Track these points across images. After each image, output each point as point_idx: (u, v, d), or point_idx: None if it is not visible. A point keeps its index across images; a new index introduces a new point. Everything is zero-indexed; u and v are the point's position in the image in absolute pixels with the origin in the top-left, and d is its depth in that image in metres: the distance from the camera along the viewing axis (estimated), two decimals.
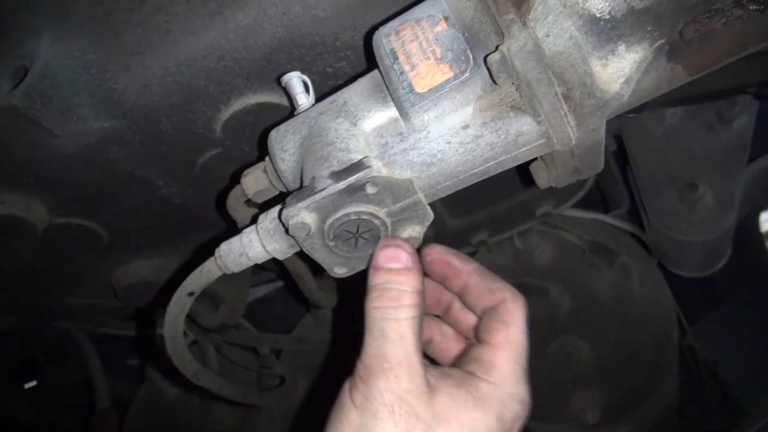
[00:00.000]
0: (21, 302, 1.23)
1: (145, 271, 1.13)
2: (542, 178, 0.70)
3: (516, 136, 0.60)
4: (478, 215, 1.34)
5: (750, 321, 1.90)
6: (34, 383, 2.00)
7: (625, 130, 1.46)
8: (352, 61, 0.84)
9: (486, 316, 0.68)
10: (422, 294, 0.62)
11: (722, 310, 1.95)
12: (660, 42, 0.58)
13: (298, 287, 1.17)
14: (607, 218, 1.57)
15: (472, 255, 1.52)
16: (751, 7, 0.57)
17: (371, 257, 0.63)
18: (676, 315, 1.56)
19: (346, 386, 0.60)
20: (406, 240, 0.64)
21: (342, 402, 0.59)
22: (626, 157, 1.50)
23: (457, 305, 0.75)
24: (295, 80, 0.76)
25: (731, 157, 1.37)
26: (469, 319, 0.74)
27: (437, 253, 0.72)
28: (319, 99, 0.74)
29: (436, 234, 1.34)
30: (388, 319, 0.60)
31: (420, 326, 0.61)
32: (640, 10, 0.56)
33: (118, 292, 1.16)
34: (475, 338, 0.71)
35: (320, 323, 1.54)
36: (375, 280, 0.62)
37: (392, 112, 0.64)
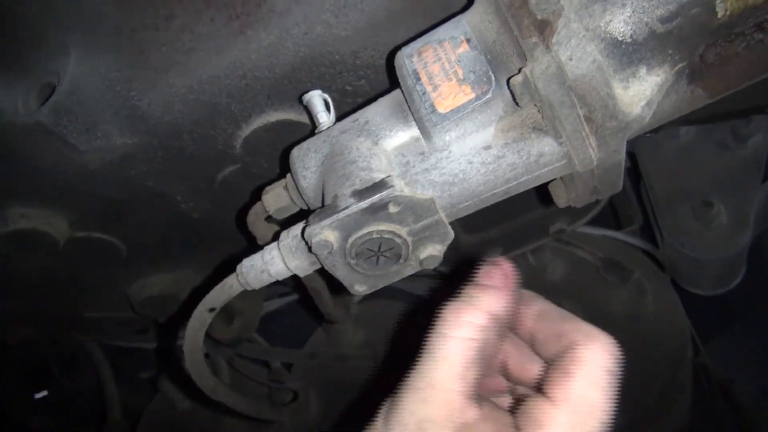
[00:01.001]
0: (39, 313, 1.25)
1: (162, 285, 1.14)
2: (561, 197, 0.71)
3: (537, 157, 0.60)
4: (492, 232, 1.34)
5: (765, 340, 1.88)
6: (44, 393, 2.01)
7: (639, 147, 1.47)
8: (371, 80, 0.85)
9: (552, 365, 0.55)
10: (499, 319, 0.55)
11: (736, 328, 1.93)
12: (681, 65, 0.59)
13: (311, 301, 1.18)
14: (621, 235, 1.57)
15: None
16: None
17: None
18: (690, 333, 1.55)
19: (385, 401, 0.55)
20: (508, 261, 0.59)
21: (376, 415, 0.55)
22: (640, 173, 1.50)
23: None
24: (316, 99, 0.77)
25: (746, 175, 1.37)
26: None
27: (496, 278, 0.60)
28: (339, 117, 0.75)
29: (449, 250, 1.34)
30: (439, 333, 0.54)
31: (481, 354, 0.53)
32: (661, 33, 0.57)
33: (134, 305, 1.17)
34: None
35: (333, 338, 1.54)
36: (464, 291, 0.57)
37: (414, 131, 0.65)
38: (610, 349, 0.52)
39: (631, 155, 1.54)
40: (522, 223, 1.34)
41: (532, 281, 1.55)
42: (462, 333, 0.53)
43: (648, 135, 1.29)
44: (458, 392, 0.52)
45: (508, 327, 0.59)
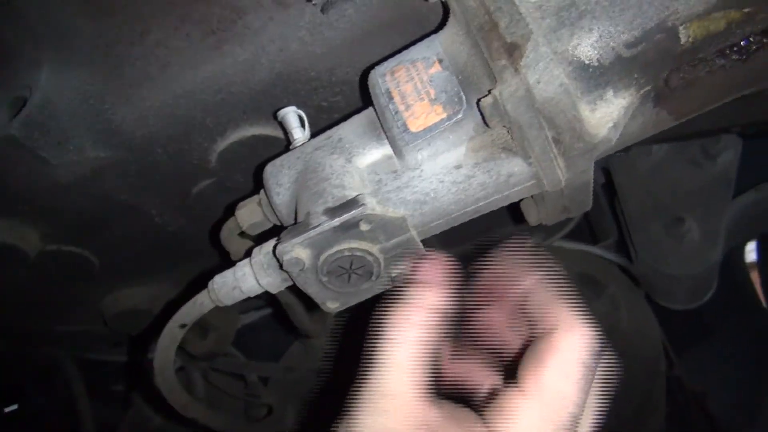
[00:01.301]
0: (10, 328, 1.23)
1: (135, 299, 1.13)
2: (532, 215, 0.72)
3: (507, 177, 0.61)
4: (469, 246, 1.35)
5: (737, 352, 1.91)
6: (15, 407, 1.97)
7: (613, 164, 1.49)
8: (347, 96, 0.85)
9: (528, 351, 0.52)
10: (442, 313, 0.54)
11: (710, 341, 1.96)
12: (646, 88, 0.60)
13: (287, 316, 1.18)
14: (596, 250, 1.59)
15: None
16: (733, 57, 0.59)
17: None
18: (664, 346, 1.57)
19: (338, 419, 0.52)
20: (440, 254, 0.59)
21: None
22: (614, 189, 1.53)
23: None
24: (291, 115, 0.77)
25: (716, 191, 1.40)
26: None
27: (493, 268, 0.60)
28: (314, 133, 0.75)
29: None
30: (385, 339, 0.52)
31: (431, 353, 0.52)
32: (627, 58, 0.58)
33: (107, 319, 1.15)
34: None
35: (309, 352, 1.54)
36: (401, 293, 0.55)
37: (387, 149, 0.66)
38: (588, 340, 0.50)
39: (605, 171, 1.56)
40: (498, 238, 1.35)
41: None
42: (408, 335, 0.52)
43: (618, 154, 1.32)
44: (415, 396, 0.50)
45: (453, 317, 0.58)
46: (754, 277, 1.98)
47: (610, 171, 1.51)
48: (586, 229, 1.79)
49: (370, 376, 0.51)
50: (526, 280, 0.57)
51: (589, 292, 1.48)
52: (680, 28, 0.57)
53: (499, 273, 0.60)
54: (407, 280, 0.57)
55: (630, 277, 1.61)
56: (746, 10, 0.57)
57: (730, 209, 1.41)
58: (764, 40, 0.58)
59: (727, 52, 0.59)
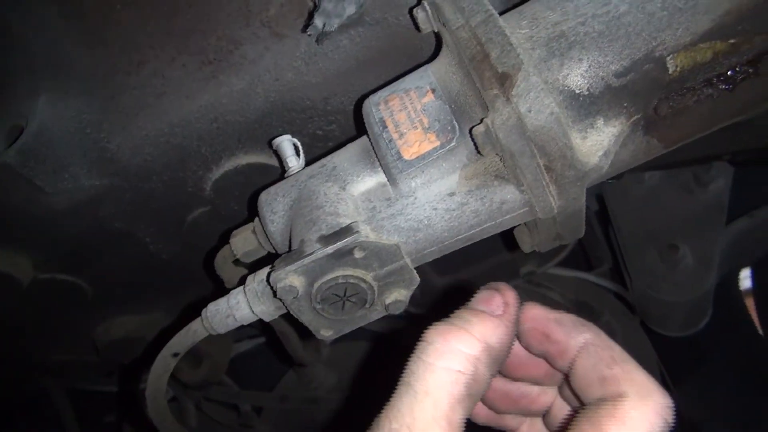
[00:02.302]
0: (2, 356, 1.21)
1: (127, 328, 1.12)
2: (526, 242, 0.72)
3: (500, 204, 0.61)
4: (464, 274, 1.35)
5: (734, 380, 1.90)
6: None
7: (606, 191, 1.50)
8: (341, 125, 0.86)
9: (582, 415, 0.44)
10: (494, 352, 0.47)
11: (706, 368, 1.95)
12: (636, 117, 0.61)
13: (280, 344, 1.17)
14: (590, 277, 1.59)
15: None
16: (720, 87, 0.60)
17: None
18: (660, 374, 1.56)
19: None
20: (512, 289, 0.53)
21: None
22: (608, 216, 1.53)
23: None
24: (286, 143, 0.78)
25: (709, 218, 1.41)
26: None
27: (534, 318, 0.53)
28: (310, 161, 0.76)
29: (422, 292, 1.34)
30: (422, 360, 0.46)
31: (470, 391, 0.45)
32: (616, 87, 0.60)
33: (100, 348, 1.14)
34: None
35: (304, 381, 1.52)
36: (452, 315, 0.50)
37: (381, 177, 0.66)
38: (663, 412, 0.42)
39: (599, 198, 1.57)
40: (493, 265, 1.35)
41: None
42: (450, 363, 0.45)
43: (611, 181, 1.33)
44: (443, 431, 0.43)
45: (544, 358, 0.52)
46: (750, 303, 1.98)
47: (604, 198, 1.52)
48: (581, 256, 1.80)
49: (398, 401, 0.45)
50: (579, 337, 0.50)
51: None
52: (668, 58, 0.59)
53: (543, 325, 0.53)
54: (465, 306, 0.51)
55: (625, 304, 1.61)
56: (731, 41, 0.58)
57: (723, 236, 1.41)
58: (750, 71, 0.59)
59: (715, 81, 0.60)
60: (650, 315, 1.52)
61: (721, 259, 1.43)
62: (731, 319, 1.81)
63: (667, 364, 1.68)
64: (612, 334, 1.48)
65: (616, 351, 0.48)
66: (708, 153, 1.03)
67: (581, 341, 0.50)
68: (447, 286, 1.36)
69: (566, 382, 0.53)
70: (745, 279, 2.01)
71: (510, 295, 0.52)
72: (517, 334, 0.53)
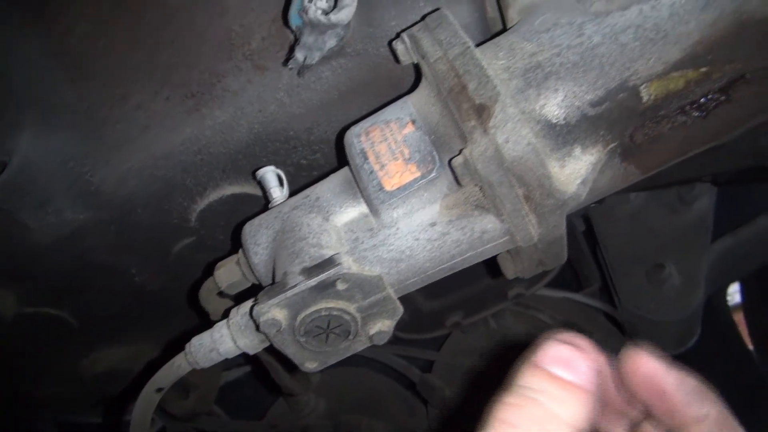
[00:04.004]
0: None
1: (114, 360, 1.11)
2: (509, 269, 0.72)
3: (481, 234, 0.62)
4: (452, 297, 1.36)
5: (724, 396, 1.90)
6: None
7: (592, 212, 1.51)
8: (326, 154, 0.87)
9: None
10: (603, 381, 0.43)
11: None
12: (613, 145, 0.62)
13: (268, 374, 1.16)
14: (579, 297, 1.59)
15: (446, 337, 1.52)
16: (693, 114, 0.62)
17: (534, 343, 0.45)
18: None
19: None
20: (591, 344, 0.46)
21: None
22: (596, 235, 1.54)
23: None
24: (269, 174, 0.78)
25: (694, 237, 1.42)
26: None
27: (649, 368, 0.47)
28: (294, 190, 0.76)
29: (410, 316, 1.34)
30: (553, 376, 0.42)
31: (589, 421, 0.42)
32: (592, 116, 0.61)
33: (86, 381, 1.13)
34: None
35: (294, 408, 1.51)
36: (525, 378, 0.43)
37: (363, 208, 0.67)
38: None
39: (586, 217, 1.58)
40: (481, 289, 1.36)
41: (494, 345, 1.56)
42: (582, 381, 0.41)
43: (593, 205, 1.34)
44: None
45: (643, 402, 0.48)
46: (740, 318, 1.99)
47: (590, 218, 1.53)
48: (570, 275, 1.80)
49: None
50: (702, 410, 0.46)
51: None
52: (641, 87, 0.60)
53: (659, 382, 0.47)
54: (546, 371, 0.43)
55: (615, 324, 1.62)
56: (703, 69, 0.59)
57: (708, 254, 1.42)
58: (722, 98, 0.60)
59: (688, 109, 0.61)
60: (639, 334, 1.52)
61: (708, 278, 1.44)
62: (721, 336, 1.82)
63: None
64: None
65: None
66: (687, 176, 1.05)
67: (703, 414, 0.46)
68: (434, 310, 1.36)
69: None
70: (735, 293, 2.03)
71: (592, 353, 0.44)
72: (623, 373, 0.48)
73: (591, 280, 1.71)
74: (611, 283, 1.50)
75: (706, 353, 1.75)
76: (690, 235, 1.42)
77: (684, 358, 1.61)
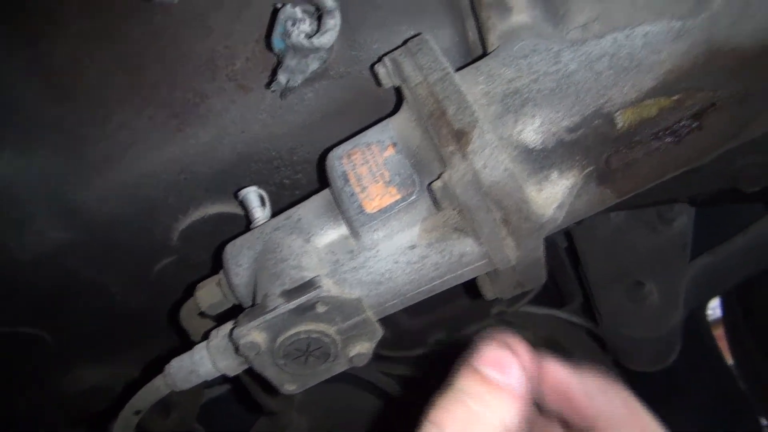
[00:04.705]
0: None
1: (94, 379, 1.10)
2: (488, 290, 0.73)
3: (459, 257, 0.63)
4: (435, 315, 1.36)
5: (705, 411, 1.92)
6: None
7: (574, 229, 1.53)
8: (308, 174, 0.87)
9: None
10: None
11: (678, 402, 1.97)
12: (589, 169, 0.63)
13: (249, 393, 1.15)
14: (561, 313, 1.61)
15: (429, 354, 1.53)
16: (667, 140, 0.63)
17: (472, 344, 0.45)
18: None
19: None
20: (526, 347, 0.46)
21: None
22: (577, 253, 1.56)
23: None
24: (251, 195, 0.79)
25: (674, 255, 1.44)
26: None
27: (555, 376, 0.48)
28: (277, 210, 0.77)
29: (393, 334, 1.34)
30: (484, 377, 0.43)
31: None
32: (568, 142, 0.62)
33: (65, 399, 1.11)
34: None
35: (276, 426, 1.50)
36: (460, 381, 0.43)
37: (344, 229, 0.67)
38: None
39: (568, 235, 1.60)
40: (464, 306, 1.36)
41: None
42: (513, 384, 0.42)
43: (574, 224, 1.35)
44: None
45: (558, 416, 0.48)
46: (720, 333, 2.01)
47: (572, 235, 1.55)
48: (554, 290, 1.82)
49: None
50: (604, 406, 0.48)
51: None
52: (616, 114, 0.61)
53: (561, 395, 0.48)
54: (480, 373, 0.43)
55: (597, 340, 1.63)
56: (675, 97, 0.61)
57: (687, 272, 1.45)
58: (694, 125, 0.62)
59: (661, 135, 0.63)
60: (620, 351, 1.54)
61: (687, 295, 1.46)
62: (701, 353, 1.84)
63: (641, 398, 1.70)
64: None
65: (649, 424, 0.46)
66: (665, 197, 1.07)
67: (608, 410, 0.47)
68: (417, 327, 1.36)
69: None
70: (716, 308, 2.06)
71: (526, 356, 0.45)
72: (536, 390, 0.48)
73: (573, 297, 1.72)
74: (592, 299, 1.52)
75: (686, 369, 1.77)
76: (669, 254, 1.44)
77: (666, 373, 1.63)
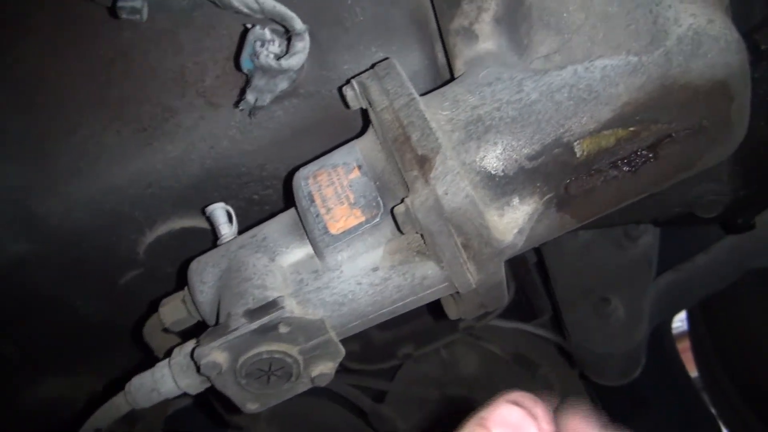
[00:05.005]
0: None
1: (56, 392, 1.08)
2: (452, 310, 0.74)
3: (421, 280, 0.64)
4: (404, 328, 1.37)
5: (671, 423, 1.96)
6: None
7: (543, 245, 1.55)
8: (277, 189, 0.88)
9: None
10: None
11: (645, 415, 2.01)
12: (549, 196, 0.65)
13: (215, 409, 1.15)
14: (530, 327, 1.63)
15: (398, 367, 1.53)
16: (624, 169, 0.65)
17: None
18: None
19: None
20: (544, 408, 0.43)
21: None
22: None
23: None
24: (218, 211, 0.79)
25: (639, 272, 1.47)
26: None
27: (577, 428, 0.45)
28: (246, 225, 0.77)
29: (362, 348, 1.35)
30: None
31: None
32: (529, 169, 0.63)
33: (29, 411, 1.10)
34: None
35: None
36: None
37: (309, 249, 0.68)
38: None
39: (537, 250, 1.62)
40: (433, 320, 1.37)
41: (446, 376, 1.57)
42: None
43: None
44: None
45: None
46: (686, 345, 2.06)
47: (541, 251, 1.57)
48: (524, 304, 1.84)
49: None
50: None
51: (523, 373, 1.51)
52: (575, 143, 0.63)
53: None
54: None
55: (565, 355, 1.65)
56: (632, 128, 0.63)
57: (652, 288, 1.48)
58: (650, 155, 0.64)
59: (619, 164, 0.65)
60: (587, 366, 1.56)
61: (651, 311, 1.49)
62: (665, 367, 1.88)
63: (609, 412, 1.73)
64: (549, 386, 1.53)
65: None
66: (627, 219, 1.09)
67: None
68: (386, 340, 1.37)
69: None
70: (683, 322, 2.11)
71: (541, 412, 0.42)
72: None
73: (542, 311, 1.75)
74: (560, 314, 1.54)
75: (652, 382, 1.81)
76: (635, 271, 1.46)
77: (633, 387, 1.66)
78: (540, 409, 0.42)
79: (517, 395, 0.42)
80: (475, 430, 0.41)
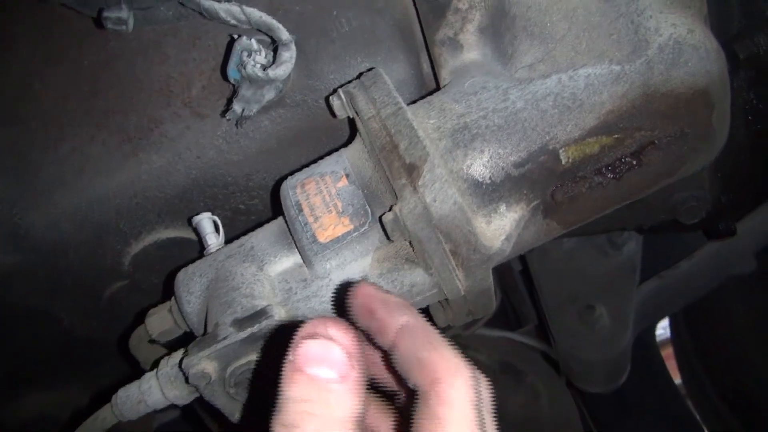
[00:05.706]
0: None
1: (40, 406, 1.06)
2: (440, 318, 0.75)
3: (410, 287, 0.64)
4: None
5: (658, 428, 1.98)
6: None
7: (528, 253, 1.56)
8: (264, 199, 0.88)
9: (415, 403, 0.45)
10: (360, 419, 0.42)
11: (631, 421, 2.02)
12: (535, 203, 0.66)
13: (200, 419, 1.14)
14: (516, 336, 1.63)
15: None
16: (608, 176, 0.66)
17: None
18: (588, 430, 1.60)
19: None
20: (339, 325, 0.44)
21: None
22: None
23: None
24: (205, 221, 0.79)
25: (623, 279, 1.49)
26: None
27: (364, 295, 0.50)
28: (232, 235, 0.76)
29: None
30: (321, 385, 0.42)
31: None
32: (515, 176, 0.64)
33: (14, 427, 1.08)
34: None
35: None
36: (288, 391, 0.42)
37: (297, 258, 0.68)
38: (475, 384, 0.44)
39: (523, 258, 1.63)
40: None
41: None
42: (342, 373, 0.42)
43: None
44: None
45: (367, 334, 0.49)
46: (669, 352, 2.08)
47: (526, 259, 1.58)
48: (510, 313, 1.85)
49: None
50: (400, 318, 0.48)
51: (510, 381, 1.51)
52: (560, 151, 0.64)
53: (369, 302, 0.50)
54: (306, 375, 0.43)
55: (551, 362, 1.66)
56: (615, 136, 0.64)
57: (636, 295, 1.49)
58: (633, 162, 0.65)
59: (603, 171, 0.66)
60: (573, 373, 1.57)
61: (636, 318, 1.50)
62: (650, 373, 1.90)
63: (595, 419, 1.74)
64: (537, 395, 1.53)
65: (431, 332, 0.47)
66: (611, 226, 1.10)
67: (402, 321, 0.47)
68: None
69: (388, 361, 0.49)
70: (666, 328, 2.12)
71: (343, 333, 0.44)
72: (347, 308, 0.50)
73: (528, 319, 1.76)
74: (546, 322, 1.55)
75: (637, 389, 1.82)
76: (619, 278, 1.48)
77: (619, 394, 1.67)
78: (333, 328, 0.44)
79: (308, 327, 0.44)
80: (294, 377, 0.42)
